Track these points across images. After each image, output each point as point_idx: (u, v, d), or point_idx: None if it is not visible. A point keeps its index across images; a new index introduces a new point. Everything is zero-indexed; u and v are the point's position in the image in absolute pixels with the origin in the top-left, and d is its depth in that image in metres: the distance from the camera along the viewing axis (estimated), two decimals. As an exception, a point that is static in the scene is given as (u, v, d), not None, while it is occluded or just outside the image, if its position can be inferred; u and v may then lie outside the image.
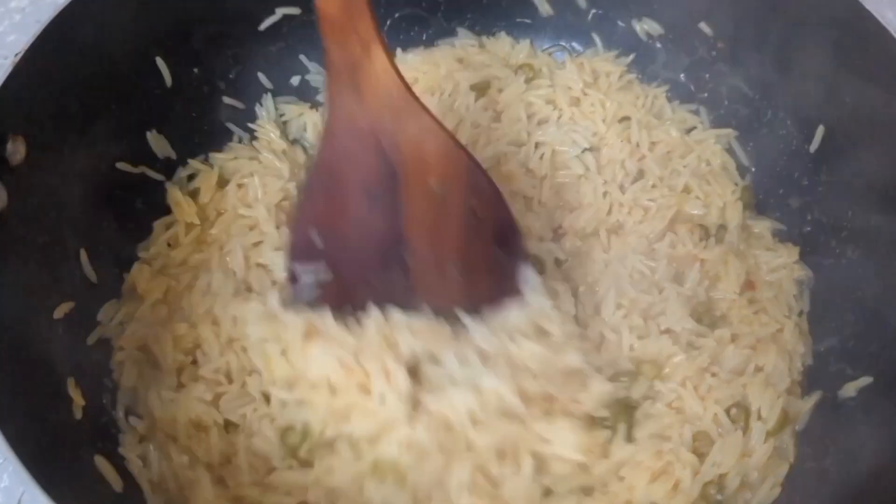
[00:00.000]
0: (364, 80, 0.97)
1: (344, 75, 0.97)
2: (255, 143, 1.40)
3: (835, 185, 1.22)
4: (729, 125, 1.39)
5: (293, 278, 1.08)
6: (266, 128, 1.41)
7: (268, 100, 1.43)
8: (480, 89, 1.41)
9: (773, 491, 1.08)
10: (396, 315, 1.07)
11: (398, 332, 1.06)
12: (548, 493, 1.04)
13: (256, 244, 1.24)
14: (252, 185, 1.30)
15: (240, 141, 1.40)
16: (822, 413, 1.12)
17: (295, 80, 1.46)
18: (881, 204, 1.13)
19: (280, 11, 1.40)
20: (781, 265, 1.26)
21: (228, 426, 1.11)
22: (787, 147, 1.30)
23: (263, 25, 1.41)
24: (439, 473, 1.02)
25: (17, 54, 1.05)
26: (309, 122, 1.43)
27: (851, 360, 1.13)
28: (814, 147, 1.25)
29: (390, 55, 0.98)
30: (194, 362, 1.15)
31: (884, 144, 1.12)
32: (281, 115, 1.43)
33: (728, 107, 1.40)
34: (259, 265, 1.23)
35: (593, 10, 1.47)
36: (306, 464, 1.06)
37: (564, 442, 1.03)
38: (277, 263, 1.21)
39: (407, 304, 1.06)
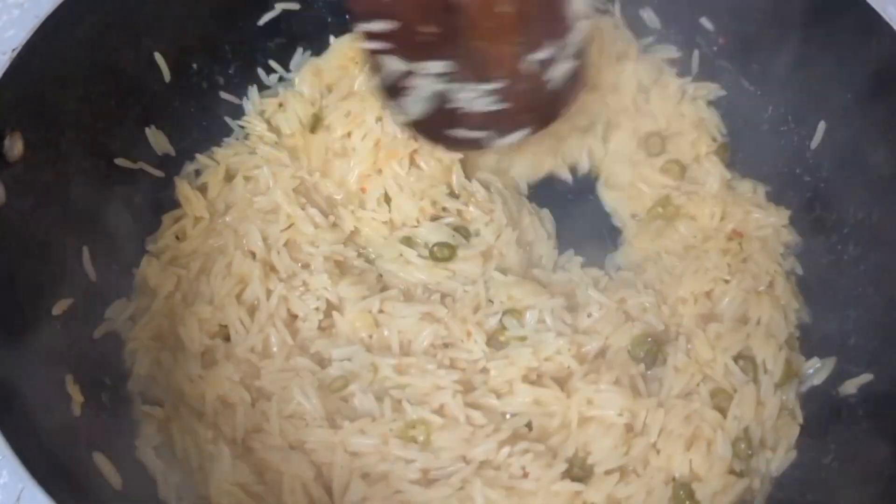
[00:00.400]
0: None
1: None
2: (247, 140, 1.39)
3: (836, 181, 1.22)
4: (729, 121, 1.39)
5: (367, 37, 1.11)
6: (253, 122, 1.39)
7: (253, 92, 1.42)
8: None
9: (789, 455, 1.11)
10: (499, 276, 1.21)
11: (499, 288, 1.19)
12: (586, 475, 1.07)
13: (286, 228, 1.25)
14: (262, 175, 1.31)
15: (237, 137, 1.40)
16: (824, 410, 1.12)
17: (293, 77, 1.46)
18: (883, 201, 1.12)
19: (279, 6, 1.40)
20: (770, 224, 1.28)
21: (256, 401, 1.12)
22: (789, 143, 1.30)
23: (263, 20, 1.40)
24: (463, 447, 1.07)
25: (14, 49, 1.05)
26: (283, 121, 1.39)
27: (852, 357, 1.12)
28: (815, 143, 1.25)
29: None
30: (227, 339, 1.17)
31: (886, 140, 1.12)
32: (262, 112, 1.41)
33: (729, 102, 1.39)
34: (286, 246, 1.24)
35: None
36: (336, 426, 1.10)
37: (609, 403, 1.10)
38: (323, 239, 1.24)
39: (464, 53, 1.09)
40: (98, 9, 1.16)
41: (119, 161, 1.24)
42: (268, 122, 1.40)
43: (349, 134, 1.33)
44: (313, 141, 1.35)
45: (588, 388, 1.11)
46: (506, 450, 1.07)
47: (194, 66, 1.35)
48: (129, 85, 1.24)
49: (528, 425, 1.12)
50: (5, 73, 1.02)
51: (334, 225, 1.28)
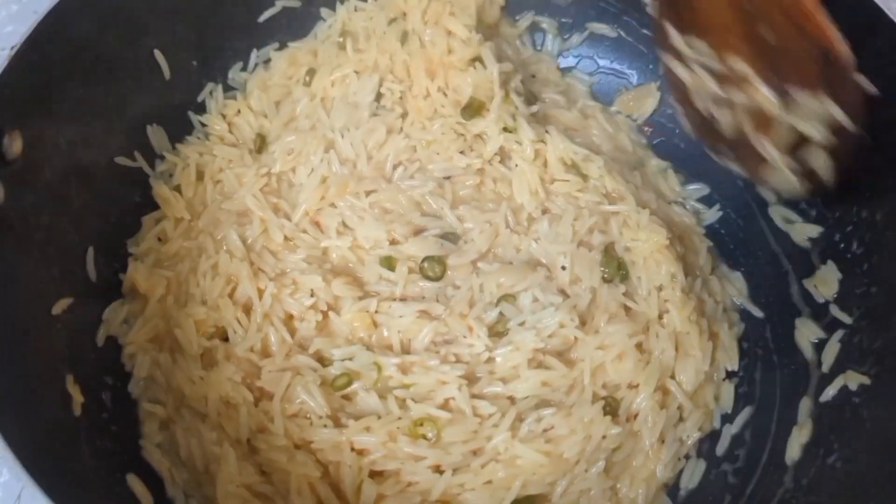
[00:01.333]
0: None
1: None
2: (207, 141, 1.36)
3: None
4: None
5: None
6: (213, 122, 1.36)
7: (218, 92, 1.38)
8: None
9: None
10: (485, 266, 1.21)
11: (487, 278, 1.19)
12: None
13: (262, 232, 1.22)
14: (227, 178, 1.28)
15: (198, 136, 1.36)
16: (827, 411, 1.12)
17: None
18: (887, 200, 1.12)
19: (280, 3, 1.40)
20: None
21: (259, 400, 1.11)
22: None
23: (263, 17, 1.40)
24: (472, 440, 1.08)
25: (13, 47, 1.04)
26: (245, 123, 1.36)
27: (854, 357, 1.12)
28: (818, 142, 1.24)
29: None
30: (226, 339, 1.16)
31: (890, 139, 1.11)
32: (224, 114, 1.37)
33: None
34: (265, 248, 1.21)
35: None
36: (341, 424, 1.09)
37: (618, 335, 1.16)
38: (304, 240, 1.22)
39: None
40: (98, 5, 1.15)
41: (118, 159, 1.23)
42: (229, 123, 1.37)
43: (293, 170, 1.28)
44: (259, 159, 1.31)
45: (594, 339, 1.15)
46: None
47: (194, 63, 1.34)
48: (129, 83, 1.24)
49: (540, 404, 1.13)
50: (4, 71, 1.02)
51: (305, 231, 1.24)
